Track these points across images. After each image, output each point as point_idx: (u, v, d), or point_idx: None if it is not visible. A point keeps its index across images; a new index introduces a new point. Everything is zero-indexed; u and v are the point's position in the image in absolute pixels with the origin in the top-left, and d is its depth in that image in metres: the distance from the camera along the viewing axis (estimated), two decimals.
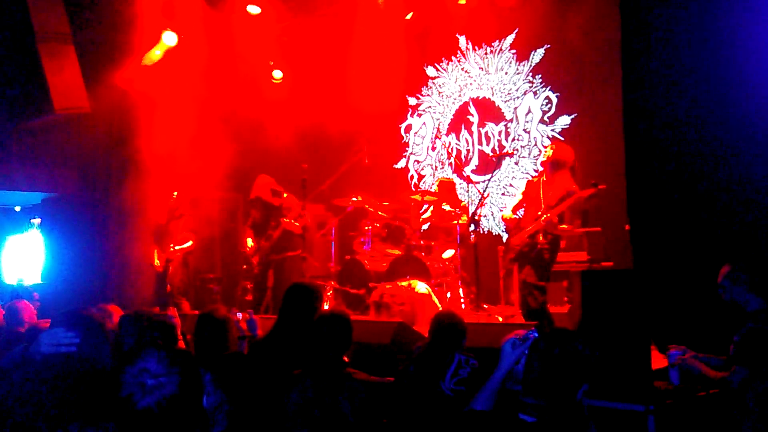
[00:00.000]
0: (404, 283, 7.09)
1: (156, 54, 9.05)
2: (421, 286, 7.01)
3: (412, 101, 10.47)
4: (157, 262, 8.65)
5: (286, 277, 8.20)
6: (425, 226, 8.31)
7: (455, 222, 7.52)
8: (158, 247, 8.74)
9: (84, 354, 2.51)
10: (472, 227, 6.65)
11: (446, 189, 8.19)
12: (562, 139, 8.63)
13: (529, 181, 6.71)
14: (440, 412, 3.65)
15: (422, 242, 7.82)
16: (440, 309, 6.69)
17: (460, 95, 9.90)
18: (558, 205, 6.08)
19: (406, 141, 10.54)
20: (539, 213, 6.22)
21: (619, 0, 5.48)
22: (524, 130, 9.08)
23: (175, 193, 8.97)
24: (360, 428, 3.40)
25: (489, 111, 9.52)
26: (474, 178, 9.16)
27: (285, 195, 8.59)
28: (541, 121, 8.91)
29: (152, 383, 1.83)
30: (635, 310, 4.09)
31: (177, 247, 8.68)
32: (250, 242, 8.56)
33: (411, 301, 6.92)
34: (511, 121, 9.25)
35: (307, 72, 10.55)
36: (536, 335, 2.70)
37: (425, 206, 8.33)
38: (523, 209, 6.61)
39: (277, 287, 8.23)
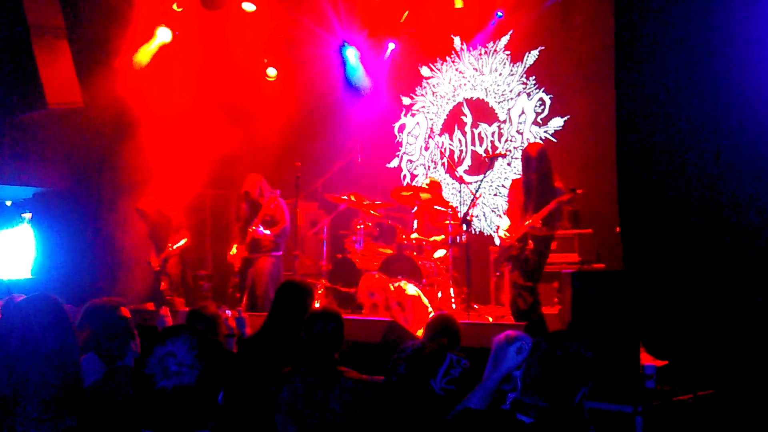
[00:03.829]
0: (394, 285, 7.08)
1: (147, 52, 9.03)
2: (410, 288, 7.01)
3: (406, 101, 10.48)
4: (155, 260, 8.55)
5: (258, 276, 8.00)
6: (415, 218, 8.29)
7: (446, 222, 7.53)
8: (155, 247, 8.62)
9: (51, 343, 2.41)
10: (464, 227, 6.66)
11: (434, 189, 8.13)
12: (554, 140, 8.67)
13: (513, 180, 6.73)
14: (430, 411, 3.65)
15: (414, 241, 7.83)
16: (430, 310, 6.71)
17: (453, 95, 9.92)
18: (541, 209, 6.08)
19: (400, 140, 10.56)
20: (525, 215, 6.23)
21: (613, 3, 5.51)
22: (517, 131, 9.11)
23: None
24: (350, 426, 3.40)
25: (482, 112, 9.54)
26: (466, 178, 9.19)
27: (267, 196, 8.31)
28: (535, 122, 8.94)
29: (174, 369, 1.82)
30: (625, 311, 4.12)
31: (174, 246, 8.51)
32: (234, 250, 8.32)
33: (401, 300, 6.92)
34: (504, 122, 9.28)
35: (301, 70, 10.55)
36: (537, 341, 2.70)
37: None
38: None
39: (254, 285, 8.05)
